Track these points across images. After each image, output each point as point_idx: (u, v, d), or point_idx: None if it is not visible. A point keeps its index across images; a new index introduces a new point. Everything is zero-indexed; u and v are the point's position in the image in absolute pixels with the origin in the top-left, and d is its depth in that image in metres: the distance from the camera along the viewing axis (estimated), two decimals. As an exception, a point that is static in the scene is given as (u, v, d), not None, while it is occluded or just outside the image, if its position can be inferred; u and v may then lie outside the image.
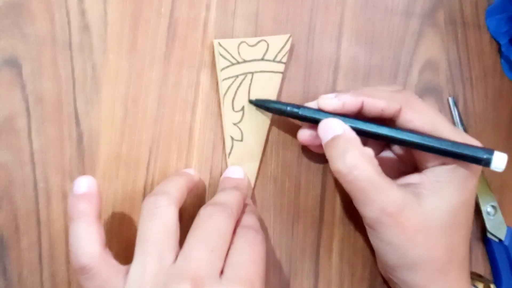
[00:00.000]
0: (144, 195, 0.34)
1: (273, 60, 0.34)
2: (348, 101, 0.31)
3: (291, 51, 0.36)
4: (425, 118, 0.30)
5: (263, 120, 0.35)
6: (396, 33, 0.38)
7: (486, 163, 0.28)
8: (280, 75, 0.34)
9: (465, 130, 0.38)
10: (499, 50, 0.40)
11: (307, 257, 0.36)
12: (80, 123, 0.33)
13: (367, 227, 0.31)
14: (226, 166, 0.35)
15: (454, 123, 0.38)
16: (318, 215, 0.36)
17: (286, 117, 0.33)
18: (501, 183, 0.39)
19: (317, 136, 0.32)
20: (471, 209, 0.31)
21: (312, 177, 0.36)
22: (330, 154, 0.30)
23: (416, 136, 0.30)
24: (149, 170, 0.34)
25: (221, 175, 0.35)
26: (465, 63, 0.39)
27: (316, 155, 0.36)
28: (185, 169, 0.34)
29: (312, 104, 0.32)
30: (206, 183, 0.35)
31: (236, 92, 0.34)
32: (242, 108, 0.34)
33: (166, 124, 0.34)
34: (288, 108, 0.32)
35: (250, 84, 0.34)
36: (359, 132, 0.30)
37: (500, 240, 0.38)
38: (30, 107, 0.32)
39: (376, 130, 0.30)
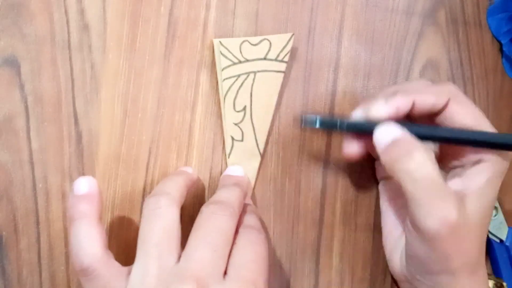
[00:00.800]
0: (144, 195, 0.34)
1: (275, 59, 0.34)
2: (401, 103, 0.30)
3: (291, 50, 0.36)
4: (470, 112, 0.30)
5: (264, 120, 0.34)
6: (397, 33, 0.38)
7: None
8: (282, 75, 0.34)
9: (466, 130, 0.38)
10: (500, 50, 0.40)
11: (307, 258, 0.36)
12: (79, 123, 0.33)
13: (411, 233, 0.30)
14: (226, 166, 0.35)
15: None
16: (318, 215, 0.36)
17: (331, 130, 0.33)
18: (501, 183, 0.39)
19: (364, 147, 0.31)
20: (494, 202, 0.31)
21: (312, 177, 0.36)
22: (394, 156, 0.29)
23: (472, 133, 0.29)
24: (148, 170, 0.34)
25: (221, 175, 0.35)
26: (466, 62, 0.39)
27: (316, 155, 0.36)
28: (183, 167, 0.34)
29: (358, 113, 0.32)
30: (206, 183, 0.35)
31: (237, 92, 0.34)
32: (244, 108, 0.34)
33: (165, 124, 0.34)
34: (339, 122, 0.31)
35: (252, 84, 0.34)
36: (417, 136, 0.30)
37: (501, 240, 0.38)
38: (29, 107, 0.32)
39: (431, 133, 0.30)
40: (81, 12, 0.32)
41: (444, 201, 0.27)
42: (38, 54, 0.32)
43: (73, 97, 0.32)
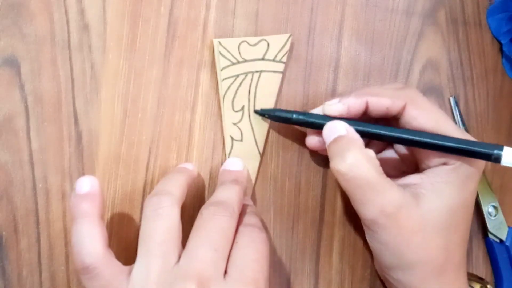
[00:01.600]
0: (144, 195, 0.34)
1: (273, 60, 0.34)
2: (352, 103, 0.31)
3: (291, 50, 0.36)
4: (429, 115, 0.30)
5: (262, 121, 0.35)
6: (397, 33, 0.38)
7: (496, 158, 0.28)
8: (280, 75, 0.34)
9: (466, 130, 0.38)
10: (500, 50, 0.40)
11: (307, 257, 0.36)
12: (79, 123, 0.33)
13: (364, 228, 0.31)
14: (226, 166, 0.35)
15: (455, 122, 0.38)
16: (318, 215, 0.36)
17: (292, 125, 0.33)
18: (502, 183, 0.39)
19: (323, 142, 0.32)
20: (470, 210, 0.31)
21: (312, 177, 0.36)
22: (332, 154, 0.30)
23: (423, 134, 0.29)
24: (148, 169, 0.34)
25: (220, 168, 0.35)
26: (466, 62, 0.39)
27: (316, 155, 0.36)
28: (183, 164, 0.34)
29: (317, 111, 0.32)
30: (206, 183, 0.35)
31: (236, 92, 0.34)
32: (242, 108, 0.34)
33: (165, 124, 0.34)
34: (294, 116, 0.32)
35: (251, 84, 0.34)
36: (364, 134, 0.30)
37: (501, 240, 0.38)
38: (29, 106, 0.32)
39: (381, 131, 0.30)
40: (81, 12, 0.32)
41: (380, 193, 0.28)
42: (38, 54, 0.32)
43: (73, 97, 0.32)
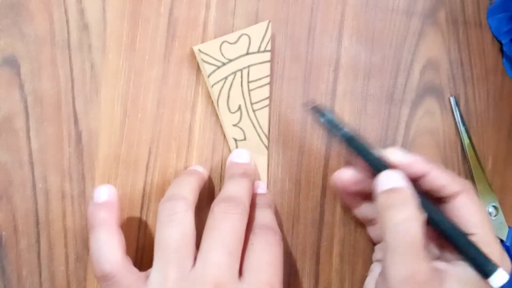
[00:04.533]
0: (144, 195, 0.34)
1: (258, 51, 0.34)
2: (417, 163, 0.30)
3: (291, 50, 0.36)
4: (478, 209, 0.30)
5: (262, 114, 0.34)
6: (397, 33, 0.38)
7: (486, 274, 0.28)
8: (269, 64, 0.34)
9: (467, 130, 0.38)
10: (501, 49, 0.40)
11: (307, 258, 0.36)
12: (79, 123, 0.33)
13: (378, 278, 0.30)
14: (225, 166, 0.35)
15: (455, 122, 0.38)
16: (318, 215, 0.36)
17: (334, 137, 0.32)
18: (502, 183, 0.39)
19: (358, 182, 0.31)
20: None
21: (312, 177, 0.36)
22: (385, 203, 0.29)
23: (450, 229, 0.29)
24: (148, 170, 0.34)
25: (221, 176, 0.35)
26: (466, 62, 0.39)
27: (317, 155, 0.36)
28: (194, 166, 0.34)
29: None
30: (206, 183, 0.35)
31: (229, 94, 0.33)
32: (239, 108, 0.34)
33: (165, 124, 0.34)
34: (344, 131, 0.31)
35: (242, 82, 0.34)
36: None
37: (501, 240, 0.38)
38: (29, 106, 0.32)
39: (427, 209, 0.29)
40: (81, 12, 0.32)
41: (417, 261, 0.27)
42: (38, 54, 0.32)
43: (73, 97, 0.32)
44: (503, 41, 0.39)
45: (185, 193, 0.29)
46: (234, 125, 0.34)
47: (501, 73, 0.40)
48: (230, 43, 0.33)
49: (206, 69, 0.33)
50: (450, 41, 0.38)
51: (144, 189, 0.34)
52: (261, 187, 0.34)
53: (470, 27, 0.39)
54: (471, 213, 0.30)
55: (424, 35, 0.38)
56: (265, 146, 0.35)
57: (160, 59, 0.34)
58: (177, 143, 0.34)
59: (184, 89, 0.34)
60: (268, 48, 0.34)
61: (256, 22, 0.35)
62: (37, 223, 0.32)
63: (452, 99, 0.38)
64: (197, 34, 0.34)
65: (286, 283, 0.36)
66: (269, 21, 0.34)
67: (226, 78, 0.33)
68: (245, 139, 0.34)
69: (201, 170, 0.33)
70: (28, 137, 0.32)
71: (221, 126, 0.34)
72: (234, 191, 0.30)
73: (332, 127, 0.32)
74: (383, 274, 0.29)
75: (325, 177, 0.36)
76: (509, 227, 0.38)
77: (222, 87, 0.33)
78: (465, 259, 0.29)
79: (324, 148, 0.36)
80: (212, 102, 0.34)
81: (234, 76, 0.33)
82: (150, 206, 0.34)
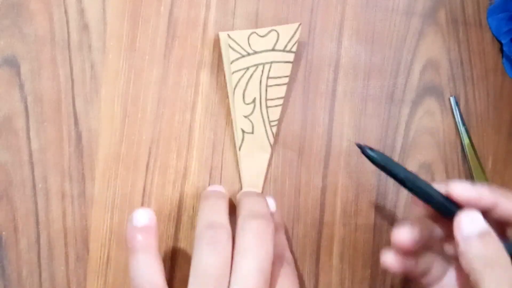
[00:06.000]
0: (144, 195, 0.34)
1: (283, 50, 0.34)
2: (486, 196, 0.28)
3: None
4: None
5: (274, 112, 0.34)
6: (397, 33, 0.38)
7: None
8: (290, 65, 0.34)
9: (467, 130, 0.38)
10: (501, 49, 0.40)
11: (307, 258, 0.36)
12: (79, 123, 0.33)
13: None
14: (226, 166, 0.35)
15: (455, 122, 0.38)
16: (318, 215, 0.36)
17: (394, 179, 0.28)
18: (502, 183, 0.39)
19: (418, 235, 0.29)
20: None
21: (312, 177, 0.36)
22: (480, 253, 0.26)
23: None
24: (148, 170, 0.34)
25: (221, 176, 0.35)
26: (466, 62, 0.39)
27: (317, 155, 0.36)
28: (215, 187, 0.33)
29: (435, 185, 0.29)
30: (206, 183, 0.35)
31: (247, 84, 0.33)
32: (254, 100, 0.34)
33: (165, 124, 0.34)
34: (404, 175, 0.27)
35: (261, 76, 0.34)
36: None
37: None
38: (29, 106, 0.32)
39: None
40: (81, 12, 0.32)
41: None
42: (38, 54, 0.32)
43: (73, 97, 0.32)
44: (503, 41, 0.39)
45: (224, 221, 0.29)
46: (245, 117, 0.34)
47: (501, 73, 0.40)
48: (259, 36, 0.33)
49: (231, 55, 0.33)
50: (450, 41, 0.38)
51: (144, 189, 0.34)
52: (271, 204, 0.34)
53: (470, 27, 0.39)
54: None
55: (424, 35, 0.38)
56: (270, 144, 0.35)
57: (160, 59, 0.34)
58: (177, 143, 0.34)
59: (184, 89, 0.34)
60: (294, 49, 0.34)
61: (256, 22, 0.35)
62: (37, 223, 0.32)
63: (452, 99, 0.38)
64: (197, 34, 0.34)
65: (286, 283, 0.36)
66: (300, 24, 0.34)
67: (247, 68, 0.33)
68: (252, 132, 0.34)
69: (223, 190, 0.33)
70: (28, 137, 0.32)
71: (221, 126, 0.34)
72: (259, 207, 0.30)
73: (393, 168, 0.28)
74: None
75: (325, 177, 0.36)
76: (509, 227, 0.38)
77: (242, 76, 0.33)
78: None
79: (324, 148, 0.36)
80: (213, 102, 0.34)
81: (256, 69, 0.33)
82: (150, 206, 0.34)
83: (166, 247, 0.34)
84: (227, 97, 0.34)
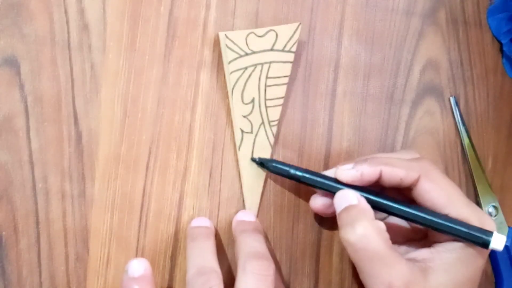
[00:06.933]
0: (144, 195, 0.34)
1: (282, 50, 0.34)
2: (366, 171, 0.30)
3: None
4: (441, 190, 0.30)
5: (274, 112, 0.34)
6: (397, 33, 0.38)
7: (485, 244, 0.29)
8: (290, 65, 0.34)
9: (467, 130, 0.38)
10: (501, 50, 0.40)
11: (307, 258, 0.36)
12: (79, 123, 0.33)
13: None
14: (226, 166, 0.35)
15: (455, 122, 0.38)
16: (318, 215, 0.36)
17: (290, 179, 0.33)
18: (502, 183, 0.39)
19: (330, 205, 0.32)
20: (476, 284, 0.31)
21: (312, 177, 0.36)
22: (342, 223, 0.30)
23: (425, 214, 0.30)
24: (148, 170, 0.34)
25: (221, 176, 0.35)
26: (466, 62, 0.39)
27: (317, 155, 0.36)
28: (200, 220, 0.33)
29: (329, 173, 0.33)
30: (206, 183, 0.35)
31: (245, 85, 0.33)
32: (252, 100, 0.34)
33: (165, 124, 0.34)
34: (292, 171, 0.32)
35: (260, 76, 0.34)
36: (374, 205, 0.30)
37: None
38: (29, 106, 0.32)
39: (389, 205, 0.31)
40: (81, 12, 0.32)
41: (389, 267, 0.28)
42: (38, 54, 0.32)
43: (73, 97, 0.32)
44: (503, 41, 0.39)
45: (214, 265, 0.30)
46: (244, 116, 0.34)
47: (501, 73, 0.40)
48: (257, 36, 0.33)
49: (228, 55, 0.33)
50: (450, 41, 0.38)
51: (144, 189, 0.34)
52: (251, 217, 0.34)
53: (470, 27, 0.39)
54: (435, 196, 0.30)
55: (424, 35, 0.38)
56: (270, 144, 0.35)
57: (160, 59, 0.34)
58: (177, 143, 0.34)
59: (184, 89, 0.34)
60: (293, 49, 0.34)
61: (256, 22, 0.35)
62: (37, 223, 0.32)
63: (452, 99, 0.38)
64: (197, 34, 0.34)
65: (286, 283, 0.36)
66: (300, 23, 0.34)
67: (246, 68, 0.33)
68: (251, 132, 0.34)
69: (208, 225, 0.33)
70: (28, 137, 0.32)
71: (221, 126, 0.34)
72: (259, 247, 0.30)
73: (281, 171, 0.33)
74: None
75: (325, 177, 0.36)
76: (509, 227, 0.38)
77: (240, 76, 0.33)
78: (454, 239, 0.30)
79: (324, 148, 0.36)
80: (213, 102, 0.34)
81: (254, 69, 0.33)
82: (150, 206, 0.34)
83: (166, 247, 0.34)
84: (227, 97, 0.34)
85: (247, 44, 0.33)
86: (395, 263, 0.28)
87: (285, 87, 0.34)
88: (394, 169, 0.30)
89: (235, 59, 0.33)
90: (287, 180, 0.35)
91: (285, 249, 0.36)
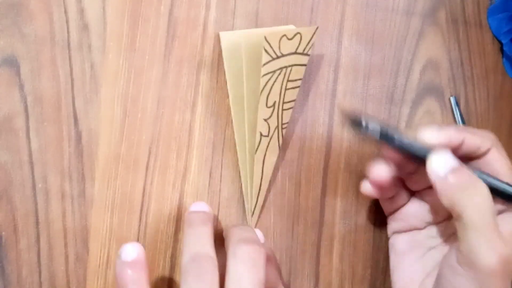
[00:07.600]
0: (144, 195, 0.34)
1: (302, 53, 0.33)
2: (454, 136, 0.30)
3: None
4: (506, 160, 0.31)
5: (287, 114, 0.34)
6: (397, 33, 0.38)
7: None
8: (305, 68, 0.33)
9: (467, 130, 0.38)
10: (501, 49, 0.40)
11: (307, 258, 0.36)
12: (79, 123, 0.33)
13: (456, 272, 0.29)
14: (226, 166, 0.35)
15: (455, 122, 0.38)
16: (318, 215, 0.36)
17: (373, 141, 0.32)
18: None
19: (392, 171, 0.31)
20: None
21: (312, 177, 0.36)
22: (456, 184, 0.28)
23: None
24: (148, 170, 0.34)
25: (221, 176, 0.35)
26: (466, 62, 0.39)
27: (317, 155, 0.36)
28: (198, 205, 0.33)
29: (406, 136, 0.31)
30: (206, 182, 0.35)
31: (271, 88, 0.32)
32: (274, 104, 0.33)
33: (165, 124, 0.34)
34: (397, 138, 0.30)
35: (283, 79, 0.33)
36: None
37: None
38: (29, 106, 0.32)
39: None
40: (81, 12, 0.32)
41: (500, 239, 0.27)
42: (38, 54, 0.32)
43: (73, 97, 0.32)
44: (503, 41, 0.39)
45: (209, 251, 0.29)
46: (265, 120, 0.33)
47: (501, 73, 0.40)
48: (288, 39, 0.32)
49: (264, 58, 0.31)
50: (450, 41, 0.38)
51: (144, 189, 0.34)
52: (260, 236, 0.33)
53: (470, 27, 0.39)
54: (502, 165, 0.31)
55: (424, 35, 0.38)
56: (279, 147, 0.34)
57: (160, 59, 0.34)
58: (177, 143, 0.34)
59: (184, 89, 0.34)
60: (309, 52, 0.33)
61: (256, 22, 0.35)
62: (37, 223, 0.32)
63: (452, 99, 0.38)
64: (197, 34, 0.34)
65: (286, 283, 0.36)
66: (317, 27, 0.33)
67: (274, 72, 0.32)
68: (268, 135, 0.34)
69: (207, 210, 0.32)
70: (28, 137, 0.32)
71: (221, 126, 0.34)
72: (249, 234, 0.30)
73: (385, 138, 0.30)
74: (464, 262, 0.28)
75: (325, 177, 0.36)
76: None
77: (269, 80, 0.32)
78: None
79: (324, 148, 0.36)
80: (213, 102, 0.34)
81: (280, 72, 0.32)
82: (150, 206, 0.34)
83: (166, 247, 0.34)
84: (227, 97, 0.34)
85: (279, 47, 0.32)
86: (503, 235, 0.28)
87: (298, 90, 0.34)
88: (475, 137, 0.31)
89: (268, 62, 0.32)
90: (287, 180, 0.35)
91: (285, 249, 0.36)
